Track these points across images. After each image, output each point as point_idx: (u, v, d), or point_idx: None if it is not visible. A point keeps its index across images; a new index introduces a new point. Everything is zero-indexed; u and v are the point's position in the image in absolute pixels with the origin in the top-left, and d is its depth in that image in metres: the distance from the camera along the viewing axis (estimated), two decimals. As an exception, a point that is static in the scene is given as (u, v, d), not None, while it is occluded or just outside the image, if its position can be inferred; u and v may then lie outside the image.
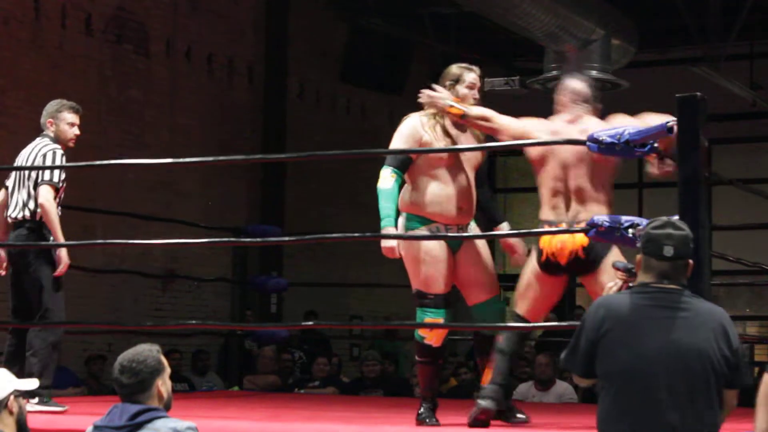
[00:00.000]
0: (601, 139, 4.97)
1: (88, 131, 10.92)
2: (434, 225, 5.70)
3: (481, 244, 5.83)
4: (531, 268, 5.58)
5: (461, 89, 5.71)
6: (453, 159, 5.69)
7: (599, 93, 5.62)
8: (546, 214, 5.53)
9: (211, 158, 5.96)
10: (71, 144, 6.45)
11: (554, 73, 10.99)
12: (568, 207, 5.48)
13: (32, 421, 4.81)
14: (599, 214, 5.22)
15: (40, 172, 6.17)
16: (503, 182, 16.35)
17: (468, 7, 10.63)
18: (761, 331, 15.41)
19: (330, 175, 13.41)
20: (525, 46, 12.61)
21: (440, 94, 5.65)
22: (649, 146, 4.88)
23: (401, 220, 5.77)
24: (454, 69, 5.80)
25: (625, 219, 4.95)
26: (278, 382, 10.31)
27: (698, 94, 4.69)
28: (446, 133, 5.71)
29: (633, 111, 5.38)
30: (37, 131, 6.27)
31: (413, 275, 5.78)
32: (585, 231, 5.09)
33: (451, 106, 5.59)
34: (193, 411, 6.00)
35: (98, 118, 10.95)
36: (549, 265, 5.50)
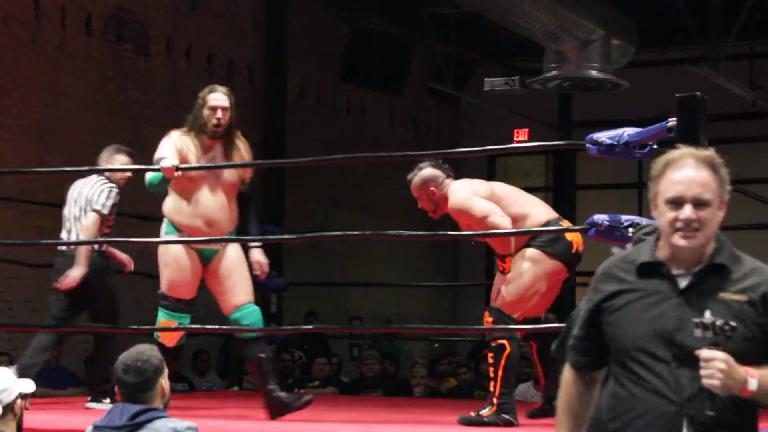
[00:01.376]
0: (600, 140, 4.97)
1: (88, 131, 10.99)
2: (185, 234, 6.01)
3: (236, 256, 6.08)
4: (540, 268, 5.66)
5: (206, 111, 5.96)
6: (209, 178, 5.96)
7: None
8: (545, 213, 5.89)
9: (209, 165, 6.00)
10: (123, 183, 6.94)
11: (554, 73, 10.99)
12: None
13: (32, 421, 4.82)
14: None
15: (92, 201, 6.69)
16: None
17: (468, 7, 10.62)
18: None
19: (330, 175, 13.41)
20: (525, 46, 12.60)
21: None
22: (648, 147, 4.88)
23: (163, 225, 6.10)
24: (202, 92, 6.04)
25: (626, 218, 4.94)
26: (276, 381, 10.30)
27: (698, 94, 4.68)
28: (204, 149, 5.99)
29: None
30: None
31: (161, 277, 6.06)
32: (585, 230, 5.09)
33: None
34: (193, 411, 6.01)
35: (98, 118, 10.95)
36: (574, 257, 5.78)
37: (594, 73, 10.81)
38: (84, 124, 10.80)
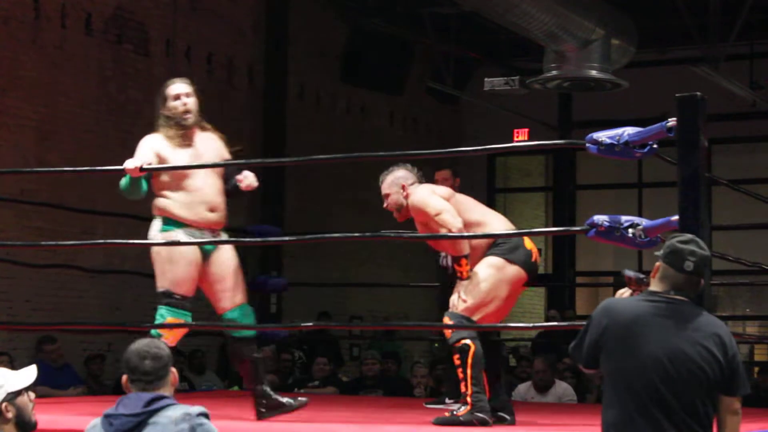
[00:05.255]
0: (600, 140, 4.96)
1: (88, 131, 10.99)
2: (189, 229, 5.86)
3: (232, 255, 6.00)
4: (501, 274, 5.75)
5: (171, 103, 5.90)
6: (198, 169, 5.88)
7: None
8: None
9: (210, 164, 5.96)
10: None
11: (554, 73, 10.99)
12: None
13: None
14: None
15: None
16: (503, 182, 16.35)
17: (468, 7, 10.63)
18: (761, 330, 15.43)
19: (330, 175, 13.41)
20: (525, 46, 12.60)
21: None
22: (648, 147, 4.87)
23: (157, 224, 5.91)
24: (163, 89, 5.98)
25: (625, 219, 4.94)
26: (276, 381, 10.29)
27: (698, 94, 4.68)
28: (182, 143, 5.91)
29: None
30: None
31: (161, 274, 5.85)
32: (585, 231, 5.08)
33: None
34: (193, 411, 5.98)
35: (98, 118, 10.95)
36: (534, 266, 5.86)
37: (594, 73, 10.82)
38: (84, 124, 10.80)
